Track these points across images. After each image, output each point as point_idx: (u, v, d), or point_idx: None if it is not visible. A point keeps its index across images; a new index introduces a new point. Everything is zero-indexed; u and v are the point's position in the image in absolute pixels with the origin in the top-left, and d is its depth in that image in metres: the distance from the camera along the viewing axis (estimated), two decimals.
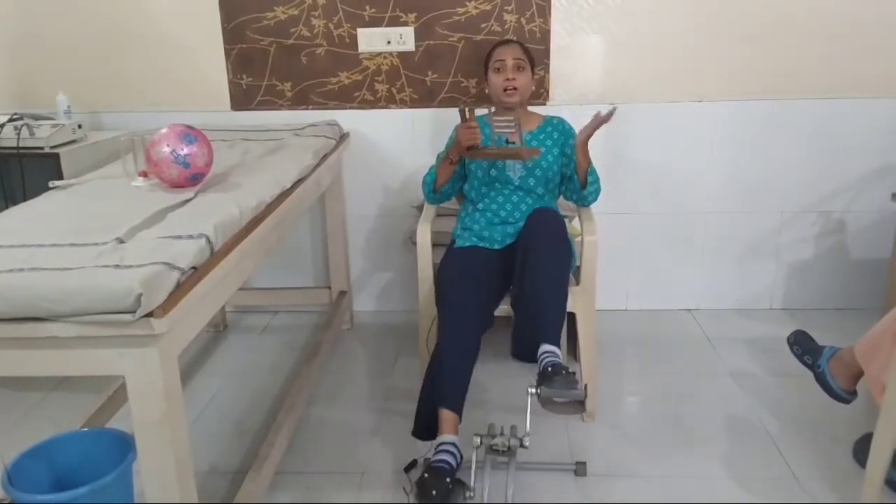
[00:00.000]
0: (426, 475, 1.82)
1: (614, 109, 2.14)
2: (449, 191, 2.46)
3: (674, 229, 3.09)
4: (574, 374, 1.93)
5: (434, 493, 1.78)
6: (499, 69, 2.40)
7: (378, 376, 2.71)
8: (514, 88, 2.38)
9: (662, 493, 2.02)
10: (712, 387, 2.56)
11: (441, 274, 2.26)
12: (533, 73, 2.47)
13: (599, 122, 2.16)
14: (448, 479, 1.82)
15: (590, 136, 2.21)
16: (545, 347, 2.01)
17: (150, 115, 2.94)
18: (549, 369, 1.93)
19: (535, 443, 2.21)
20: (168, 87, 3.02)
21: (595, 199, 2.39)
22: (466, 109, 2.23)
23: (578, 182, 2.32)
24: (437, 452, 1.90)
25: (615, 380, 2.60)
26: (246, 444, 2.30)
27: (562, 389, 1.87)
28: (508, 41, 2.52)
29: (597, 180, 2.34)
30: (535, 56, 2.86)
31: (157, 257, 1.38)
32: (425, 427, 2.03)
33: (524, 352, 2.13)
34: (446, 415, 1.96)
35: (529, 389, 1.89)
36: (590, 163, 2.29)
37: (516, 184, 2.37)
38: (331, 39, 2.93)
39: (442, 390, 2.00)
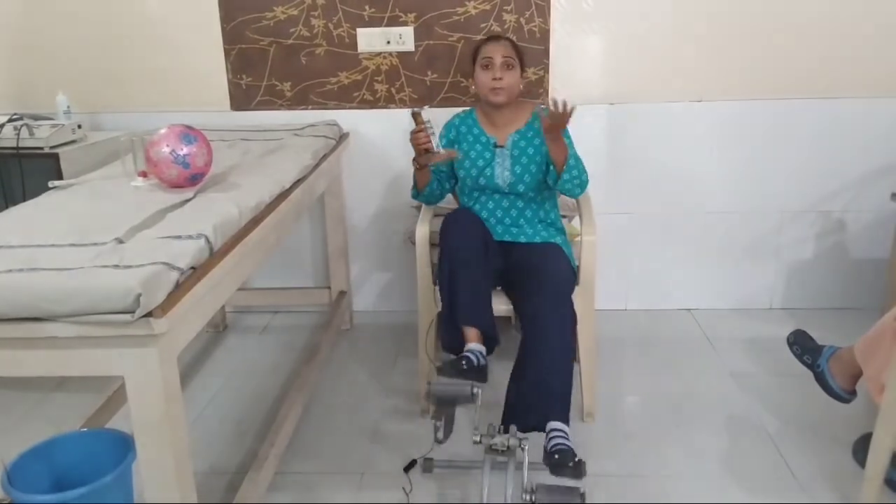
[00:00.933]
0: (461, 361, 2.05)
1: (573, 108, 2.02)
2: (437, 190, 2.44)
3: (673, 229, 3.09)
4: (580, 462, 1.86)
5: (452, 367, 2.01)
6: (486, 66, 2.30)
7: (378, 376, 2.71)
8: (502, 88, 2.29)
9: (662, 493, 2.02)
10: (712, 386, 2.56)
11: (444, 222, 2.23)
12: (523, 70, 2.37)
13: (560, 117, 2.03)
14: (464, 363, 2.01)
15: (550, 127, 2.08)
16: (554, 425, 1.95)
17: (149, 116, 2.94)
18: (556, 457, 1.86)
19: (535, 442, 2.22)
20: (167, 87, 3.02)
21: (578, 193, 2.28)
22: (418, 113, 2.18)
23: (554, 172, 2.21)
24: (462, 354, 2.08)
25: (615, 380, 2.60)
26: (245, 444, 2.30)
27: (558, 500, 1.80)
28: (498, 37, 2.41)
29: (579, 175, 2.22)
30: (535, 56, 2.88)
31: (157, 257, 1.38)
32: (449, 342, 2.18)
33: (519, 422, 2.01)
34: (469, 331, 2.10)
35: (524, 496, 1.80)
36: (567, 155, 2.17)
37: (506, 190, 2.34)
38: (330, 39, 2.93)
39: (459, 311, 2.10)
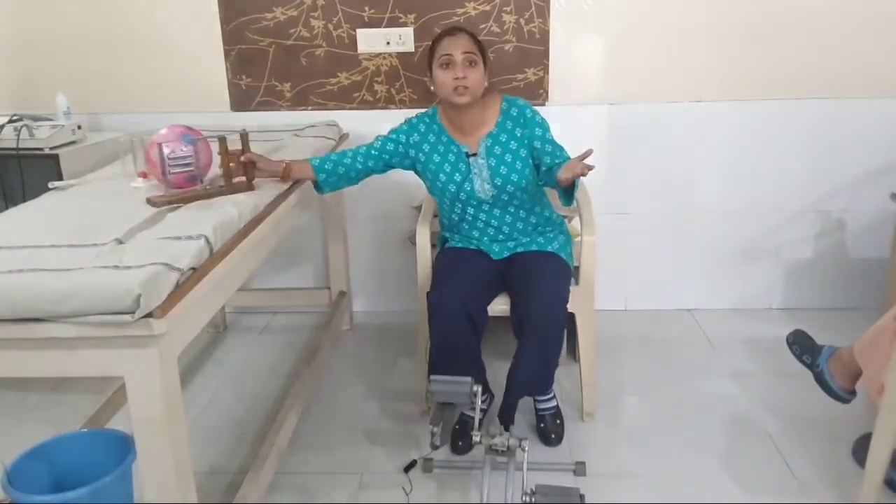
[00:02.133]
0: (457, 426, 2.24)
1: (589, 152, 1.86)
2: (341, 181, 2.28)
3: (673, 229, 3.09)
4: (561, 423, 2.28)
5: (460, 443, 2.20)
6: (446, 65, 2.10)
7: (377, 377, 2.71)
8: (466, 87, 2.09)
9: (662, 493, 2.02)
10: (712, 387, 2.56)
11: (432, 277, 2.22)
12: (486, 64, 2.15)
13: (581, 171, 1.83)
14: (472, 432, 2.02)
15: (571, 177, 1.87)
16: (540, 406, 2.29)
17: (149, 116, 2.93)
18: (542, 425, 2.26)
19: (535, 442, 2.23)
20: (167, 87, 3.02)
21: None
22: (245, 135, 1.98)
23: (563, 196, 2.00)
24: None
25: (615, 380, 2.60)
26: (245, 444, 2.30)
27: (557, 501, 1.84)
28: (455, 30, 2.16)
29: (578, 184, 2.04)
30: (535, 57, 2.88)
31: (157, 258, 1.38)
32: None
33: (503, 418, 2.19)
34: None
35: (524, 497, 1.80)
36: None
37: (490, 202, 2.22)
38: (330, 40, 2.93)
39: None
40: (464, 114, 2.18)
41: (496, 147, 2.19)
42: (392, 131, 2.30)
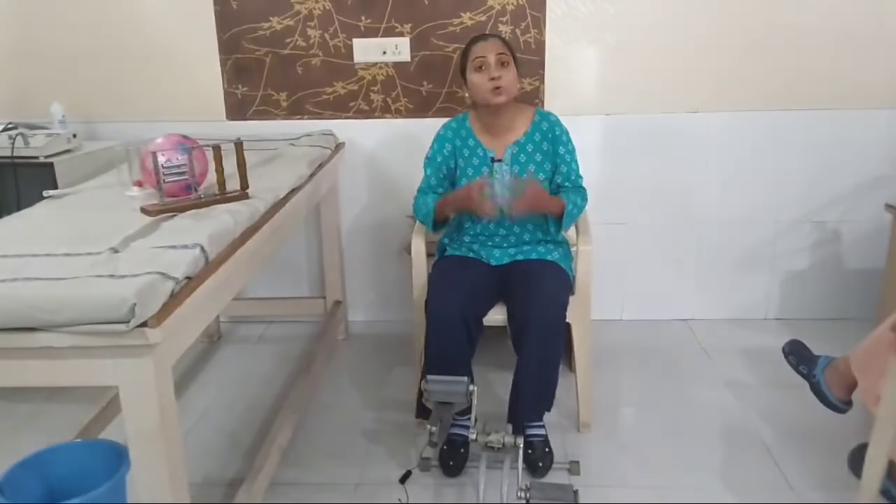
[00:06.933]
0: (445, 447, 2.14)
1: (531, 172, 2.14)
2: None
3: (669, 239, 3.09)
4: (550, 451, 2.15)
5: (451, 463, 2.13)
6: (480, 67, 2.16)
7: (373, 387, 2.70)
8: (502, 87, 2.15)
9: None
10: (708, 397, 2.56)
11: (430, 284, 2.22)
12: (517, 67, 2.22)
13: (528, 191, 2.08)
14: (462, 450, 2.14)
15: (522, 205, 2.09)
16: (528, 431, 2.15)
17: (145, 125, 2.93)
18: (530, 451, 2.11)
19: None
20: (163, 96, 3.02)
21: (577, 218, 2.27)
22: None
23: (555, 223, 2.20)
24: (452, 426, 2.14)
25: (611, 390, 2.60)
26: (240, 455, 2.29)
27: (551, 497, 1.85)
28: (486, 35, 2.25)
29: (580, 208, 2.23)
30: (531, 67, 2.90)
31: (152, 267, 1.38)
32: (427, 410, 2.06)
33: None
34: None
35: (519, 494, 1.82)
36: (562, 205, 2.16)
37: (505, 210, 2.22)
38: (326, 50, 2.93)
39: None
40: (498, 116, 2.24)
41: (521, 155, 2.26)
42: (431, 156, 2.35)
